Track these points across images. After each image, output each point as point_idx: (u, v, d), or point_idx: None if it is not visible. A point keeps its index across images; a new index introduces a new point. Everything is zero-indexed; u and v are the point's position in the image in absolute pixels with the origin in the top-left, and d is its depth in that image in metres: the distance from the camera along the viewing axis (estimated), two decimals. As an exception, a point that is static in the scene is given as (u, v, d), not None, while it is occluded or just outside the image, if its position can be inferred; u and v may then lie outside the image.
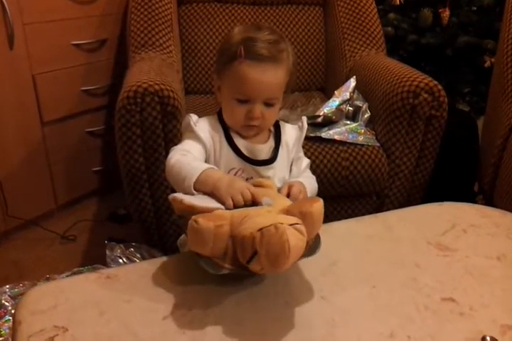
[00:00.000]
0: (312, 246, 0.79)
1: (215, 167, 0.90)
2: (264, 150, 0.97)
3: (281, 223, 0.70)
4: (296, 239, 0.70)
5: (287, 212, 0.78)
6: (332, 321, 0.75)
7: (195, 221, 0.73)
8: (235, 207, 0.81)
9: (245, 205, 0.81)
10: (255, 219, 0.74)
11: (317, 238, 0.81)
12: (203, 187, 0.85)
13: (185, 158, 0.89)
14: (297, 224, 0.72)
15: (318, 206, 0.78)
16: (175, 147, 0.93)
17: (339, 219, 1.07)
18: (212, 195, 0.84)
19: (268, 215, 0.76)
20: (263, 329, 0.74)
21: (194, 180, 0.84)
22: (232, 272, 0.76)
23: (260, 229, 0.70)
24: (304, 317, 0.76)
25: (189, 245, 0.77)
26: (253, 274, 0.78)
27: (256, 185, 0.89)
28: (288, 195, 0.90)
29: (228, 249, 0.76)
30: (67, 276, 1.45)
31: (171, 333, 0.72)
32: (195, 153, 0.91)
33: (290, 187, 0.92)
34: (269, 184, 0.90)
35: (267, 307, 0.78)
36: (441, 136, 1.57)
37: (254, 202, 0.82)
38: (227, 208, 0.80)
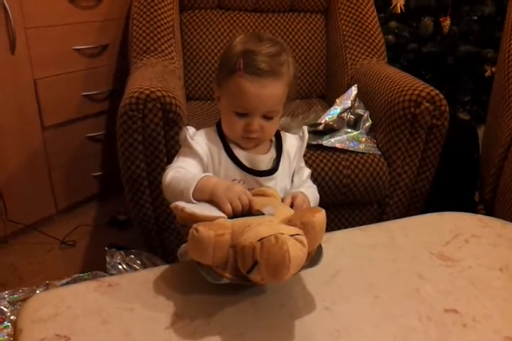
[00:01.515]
0: (314, 258, 0.78)
1: (210, 174, 0.90)
2: (264, 160, 0.96)
3: (282, 233, 0.70)
4: (296, 249, 0.69)
5: (289, 222, 0.77)
6: (335, 331, 0.75)
7: (196, 229, 0.73)
8: (234, 212, 0.80)
9: (247, 214, 0.81)
10: (256, 229, 0.74)
11: (319, 249, 0.80)
12: (201, 195, 0.84)
13: (179, 173, 0.89)
14: (298, 234, 0.71)
15: (321, 216, 0.77)
16: (170, 165, 0.93)
17: (340, 228, 1.07)
18: (211, 201, 0.83)
19: (269, 225, 0.75)
20: (266, 339, 0.73)
21: (192, 190, 0.84)
22: (233, 282, 0.76)
23: (261, 239, 0.70)
24: (307, 328, 0.75)
25: (190, 253, 0.77)
26: (254, 284, 0.78)
27: (259, 194, 0.89)
28: (292, 206, 0.90)
29: (229, 258, 0.75)
30: (67, 282, 1.45)
31: (173, 343, 0.72)
32: (190, 170, 0.91)
33: (294, 198, 0.91)
34: (272, 193, 0.90)
35: (269, 318, 0.77)
36: (442, 144, 1.57)
37: (258, 211, 0.82)
38: (227, 215, 0.80)
